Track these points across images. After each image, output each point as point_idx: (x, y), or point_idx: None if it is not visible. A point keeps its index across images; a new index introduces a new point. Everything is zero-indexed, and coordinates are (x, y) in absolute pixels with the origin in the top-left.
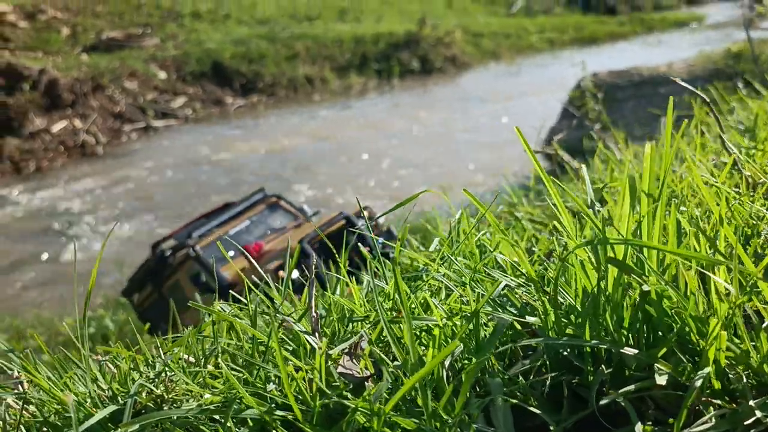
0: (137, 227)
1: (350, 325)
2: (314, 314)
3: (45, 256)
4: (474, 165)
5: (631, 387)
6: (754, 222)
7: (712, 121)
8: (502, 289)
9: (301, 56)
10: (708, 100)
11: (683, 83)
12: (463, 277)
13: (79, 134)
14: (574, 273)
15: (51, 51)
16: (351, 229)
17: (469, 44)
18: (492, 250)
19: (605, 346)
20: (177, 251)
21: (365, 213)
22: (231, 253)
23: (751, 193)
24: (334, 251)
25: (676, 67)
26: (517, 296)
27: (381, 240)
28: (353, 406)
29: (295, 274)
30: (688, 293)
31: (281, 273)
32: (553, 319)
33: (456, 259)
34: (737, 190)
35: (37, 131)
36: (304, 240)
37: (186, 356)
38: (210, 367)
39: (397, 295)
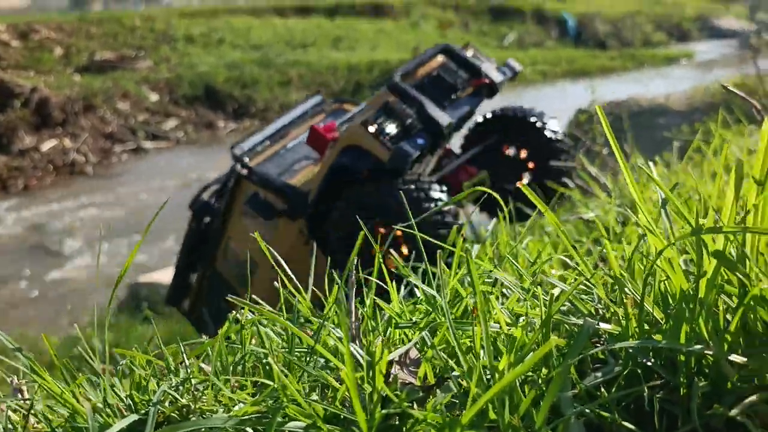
0: (126, 248)
1: (389, 332)
2: (354, 320)
3: (31, 274)
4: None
5: (754, 398)
6: None
7: (727, 144)
8: (571, 291)
9: (295, 82)
10: (759, 109)
11: (739, 92)
12: (522, 282)
13: (68, 153)
14: (650, 278)
15: (43, 70)
16: (457, 64)
17: None
18: (533, 261)
19: (710, 353)
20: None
21: (471, 51)
22: (296, 166)
23: None
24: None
25: (674, 99)
26: (583, 304)
27: (503, 77)
28: (421, 417)
29: (393, 129)
30: None
31: (370, 128)
32: (635, 326)
33: (512, 260)
34: None
35: (26, 149)
36: (396, 74)
37: (207, 366)
38: (233, 379)
39: (438, 298)
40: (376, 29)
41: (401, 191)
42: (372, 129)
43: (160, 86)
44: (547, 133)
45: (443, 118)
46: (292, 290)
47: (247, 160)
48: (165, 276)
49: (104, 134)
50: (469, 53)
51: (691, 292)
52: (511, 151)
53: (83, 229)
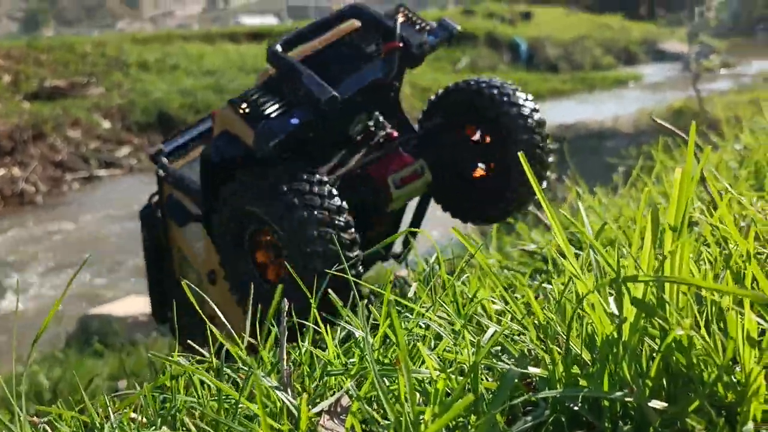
0: (76, 280)
1: (324, 378)
2: (286, 368)
3: None
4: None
5: None
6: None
7: (668, 168)
8: (497, 337)
9: None
10: (686, 140)
11: (667, 125)
12: (453, 324)
13: (17, 183)
14: (579, 319)
15: None
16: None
17: (416, 98)
18: (471, 297)
19: (630, 399)
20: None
21: (401, 15)
22: None
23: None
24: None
25: (621, 122)
26: (514, 345)
27: (433, 38)
28: None
29: (273, 107)
30: (715, 340)
31: (241, 107)
32: (562, 370)
33: (443, 303)
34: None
35: None
36: (278, 41)
37: (139, 416)
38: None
39: (383, 347)
40: None
41: (279, 192)
42: (243, 108)
43: (112, 113)
44: (516, 113)
45: (324, 91)
46: (219, 333)
47: (165, 160)
48: (117, 308)
49: (54, 163)
50: (399, 18)
51: (615, 336)
52: (469, 134)
53: (32, 261)
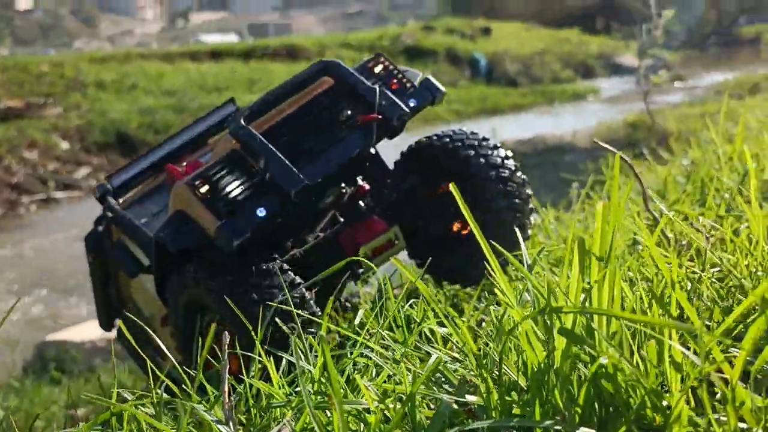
0: (32, 305)
1: (269, 410)
2: (227, 401)
3: None
4: None
5: None
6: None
7: (621, 184)
8: (437, 365)
9: None
10: (631, 164)
11: (607, 145)
12: (394, 353)
13: None
14: (516, 346)
15: None
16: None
17: None
18: (419, 322)
19: (560, 428)
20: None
21: (380, 66)
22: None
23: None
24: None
25: (579, 136)
26: (453, 372)
27: (414, 102)
28: None
29: (236, 187)
30: (646, 365)
31: (201, 188)
32: (497, 398)
33: (385, 333)
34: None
35: None
36: (244, 111)
37: None
38: None
39: (324, 377)
40: (291, 71)
41: (236, 288)
42: (203, 189)
43: (70, 134)
44: (485, 165)
45: (294, 181)
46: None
47: (113, 201)
48: (74, 334)
49: (10, 185)
50: (377, 68)
51: (546, 364)
52: (442, 191)
53: None
